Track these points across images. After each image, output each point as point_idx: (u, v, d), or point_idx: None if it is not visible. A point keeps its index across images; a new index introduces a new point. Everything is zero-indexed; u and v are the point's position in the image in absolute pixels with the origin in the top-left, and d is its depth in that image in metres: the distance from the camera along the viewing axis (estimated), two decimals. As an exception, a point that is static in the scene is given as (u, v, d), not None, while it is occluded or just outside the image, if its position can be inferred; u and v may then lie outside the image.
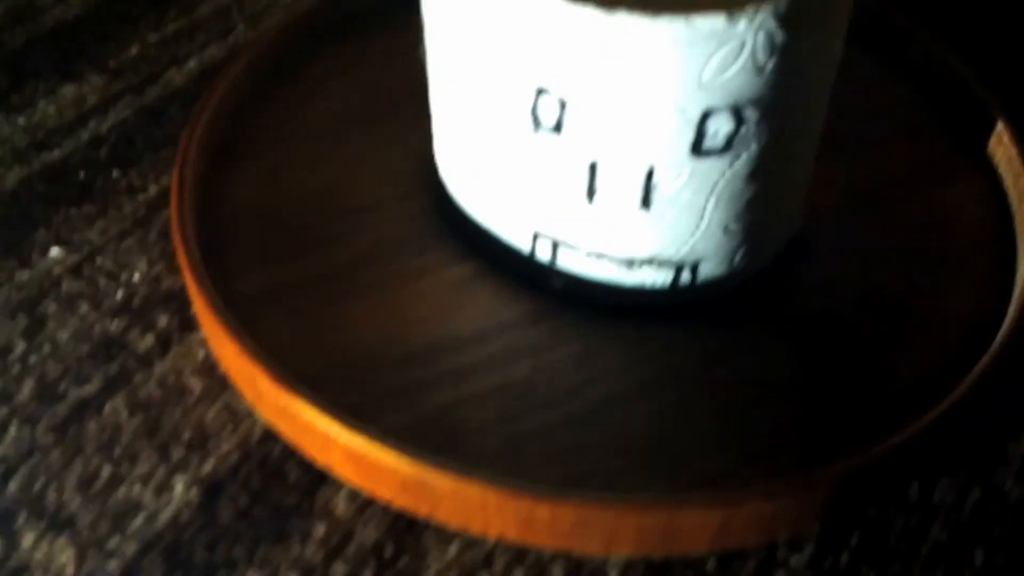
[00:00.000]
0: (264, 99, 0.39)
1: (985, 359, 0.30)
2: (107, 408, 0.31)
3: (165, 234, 0.36)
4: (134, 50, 0.44)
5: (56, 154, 0.39)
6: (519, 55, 0.28)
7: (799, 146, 0.31)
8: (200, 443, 0.30)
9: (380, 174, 0.37)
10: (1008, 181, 0.36)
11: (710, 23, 0.25)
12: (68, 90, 0.42)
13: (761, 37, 0.26)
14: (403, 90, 0.37)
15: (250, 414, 0.31)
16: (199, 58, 0.43)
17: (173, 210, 0.33)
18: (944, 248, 0.35)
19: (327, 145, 0.38)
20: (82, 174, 0.38)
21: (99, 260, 0.35)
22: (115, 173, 0.38)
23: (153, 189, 0.38)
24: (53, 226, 0.36)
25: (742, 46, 0.26)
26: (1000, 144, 0.36)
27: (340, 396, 0.30)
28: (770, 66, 0.26)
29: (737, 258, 0.32)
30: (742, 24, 0.25)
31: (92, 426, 0.31)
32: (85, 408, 0.31)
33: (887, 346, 0.32)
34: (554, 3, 0.26)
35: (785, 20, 0.26)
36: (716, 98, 0.27)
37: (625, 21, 0.25)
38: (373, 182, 0.37)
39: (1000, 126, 0.36)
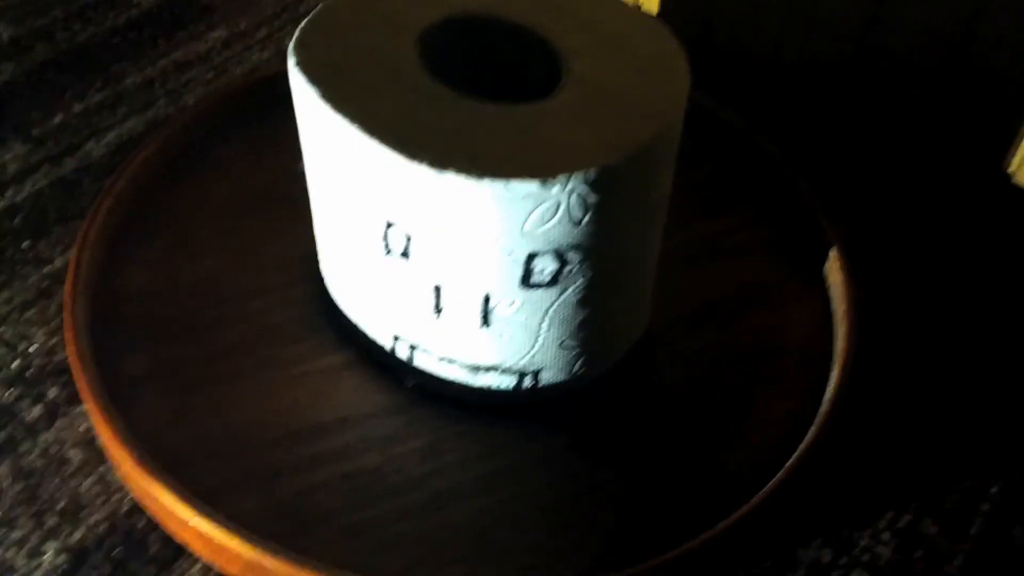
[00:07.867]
0: (170, 181, 0.42)
1: (782, 471, 0.34)
2: (-8, 475, 0.34)
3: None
4: (58, 119, 0.47)
5: (-28, 221, 0.42)
6: (370, 192, 0.31)
7: (629, 275, 0.34)
8: (73, 512, 0.33)
9: (268, 260, 0.40)
10: (834, 304, 0.39)
11: (526, 187, 0.29)
12: (-9, 157, 0.45)
13: (574, 198, 0.29)
14: (302, 176, 0.40)
15: (122, 487, 0.34)
16: (118, 131, 0.46)
17: (66, 295, 0.36)
18: (772, 361, 0.39)
19: (223, 228, 0.41)
20: (-5, 243, 0.41)
21: (1, 329, 0.38)
22: (25, 243, 0.41)
23: (59, 261, 0.41)
24: (-39, 294, 0.39)
25: (558, 205, 0.29)
26: (832, 269, 0.40)
27: (203, 478, 0.33)
28: (586, 219, 0.30)
29: (576, 367, 0.35)
30: (555, 188, 0.29)
31: (-24, 492, 0.34)
32: (-29, 474, 0.34)
33: (707, 448, 0.36)
34: (394, 157, 0.29)
35: (596, 185, 0.29)
36: (538, 244, 0.30)
37: (453, 180, 0.29)
38: (260, 268, 0.40)
39: (833, 253, 0.40)
